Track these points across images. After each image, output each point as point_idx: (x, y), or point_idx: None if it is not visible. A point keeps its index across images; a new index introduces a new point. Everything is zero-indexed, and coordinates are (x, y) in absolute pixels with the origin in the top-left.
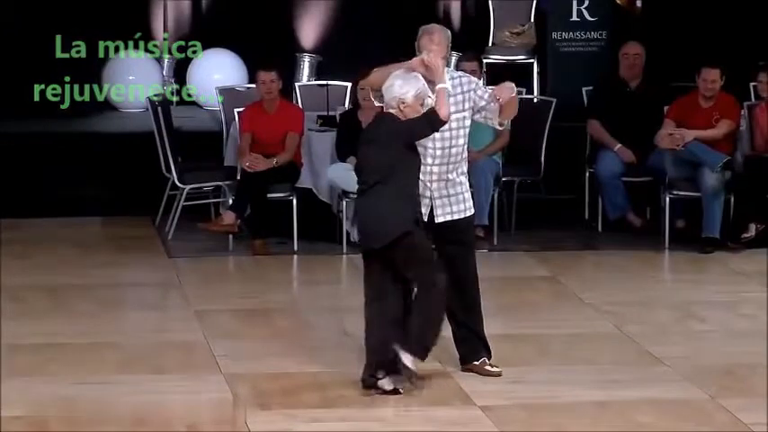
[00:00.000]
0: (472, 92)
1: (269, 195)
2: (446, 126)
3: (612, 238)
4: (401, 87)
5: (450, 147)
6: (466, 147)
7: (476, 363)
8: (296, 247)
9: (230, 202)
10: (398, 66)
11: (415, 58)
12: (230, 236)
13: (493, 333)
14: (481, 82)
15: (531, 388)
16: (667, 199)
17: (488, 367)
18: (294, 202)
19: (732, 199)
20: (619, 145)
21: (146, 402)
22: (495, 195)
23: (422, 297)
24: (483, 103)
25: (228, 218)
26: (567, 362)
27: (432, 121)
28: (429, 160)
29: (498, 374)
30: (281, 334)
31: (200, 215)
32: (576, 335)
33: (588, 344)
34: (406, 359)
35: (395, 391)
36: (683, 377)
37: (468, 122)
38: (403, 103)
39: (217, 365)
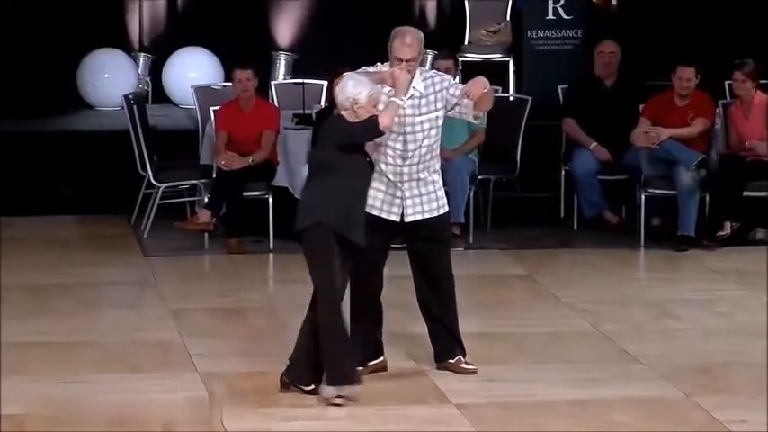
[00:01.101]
0: (444, 90)
1: (245, 194)
2: (418, 127)
3: (588, 236)
4: (354, 88)
5: (422, 147)
6: (438, 145)
7: (451, 361)
8: (271, 246)
9: (206, 200)
10: (373, 72)
11: (386, 69)
12: (206, 234)
13: (469, 331)
14: (454, 79)
15: (507, 386)
16: (643, 197)
17: (464, 365)
18: (270, 200)
19: (707, 197)
20: (594, 143)
21: (123, 401)
22: (471, 194)
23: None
24: (455, 100)
25: (204, 216)
26: (544, 360)
27: (369, 129)
28: (399, 161)
29: (474, 372)
30: (257, 332)
31: (175, 214)
32: (553, 333)
33: (564, 342)
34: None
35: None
36: (660, 375)
37: (440, 122)
38: (356, 103)
39: (192, 364)
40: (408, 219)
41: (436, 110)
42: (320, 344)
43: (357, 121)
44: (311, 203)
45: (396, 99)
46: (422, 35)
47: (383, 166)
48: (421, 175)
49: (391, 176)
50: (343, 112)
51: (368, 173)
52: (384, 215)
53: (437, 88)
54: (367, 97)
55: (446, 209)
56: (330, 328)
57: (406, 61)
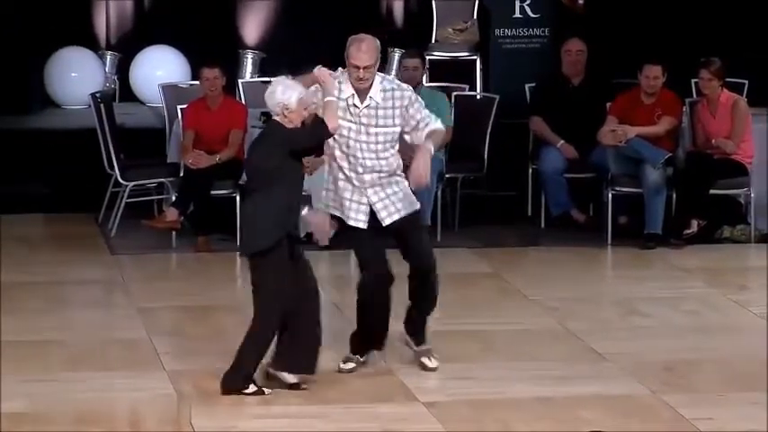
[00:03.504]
0: (403, 108)
1: (212, 192)
2: (372, 138)
3: (555, 234)
4: (283, 93)
5: (379, 159)
6: (397, 153)
7: (423, 347)
8: (239, 244)
9: (173, 198)
10: (302, 77)
11: (314, 70)
12: (173, 233)
13: (437, 329)
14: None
15: (475, 384)
16: (610, 195)
17: (426, 360)
18: (237, 198)
19: (674, 195)
20: (561, 141)
21: (91, 400)
22: (439, 192)
23: (251, 328)
24: (413, 122)
25: (171, 215)
26: (512, 358)
27: (318, 133)
28: (360, 169)
29: (434, 369)
30: (224, 331)
31: (143, 212)
32: (520, 331)
33: (532, 340)
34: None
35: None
36: (627, 373)
37: (397, 136)
38: (287, 108)
39: (160, 362)
40: (386, 222)
41: (394, 125)
42: (244, 345)
43: (293, 126)
44: (267, 220)
45: (329, 98)
46: (378, 42)
47: (347, 173)
48: (382, 180)
49: (356, 183)
50: (275, 118)
51: (303, 178)
52: (351, 222)
53: (396, 104)
54: (297, 102)
55: (418, 205)
56: (261, 342)
57: (363, 68)
